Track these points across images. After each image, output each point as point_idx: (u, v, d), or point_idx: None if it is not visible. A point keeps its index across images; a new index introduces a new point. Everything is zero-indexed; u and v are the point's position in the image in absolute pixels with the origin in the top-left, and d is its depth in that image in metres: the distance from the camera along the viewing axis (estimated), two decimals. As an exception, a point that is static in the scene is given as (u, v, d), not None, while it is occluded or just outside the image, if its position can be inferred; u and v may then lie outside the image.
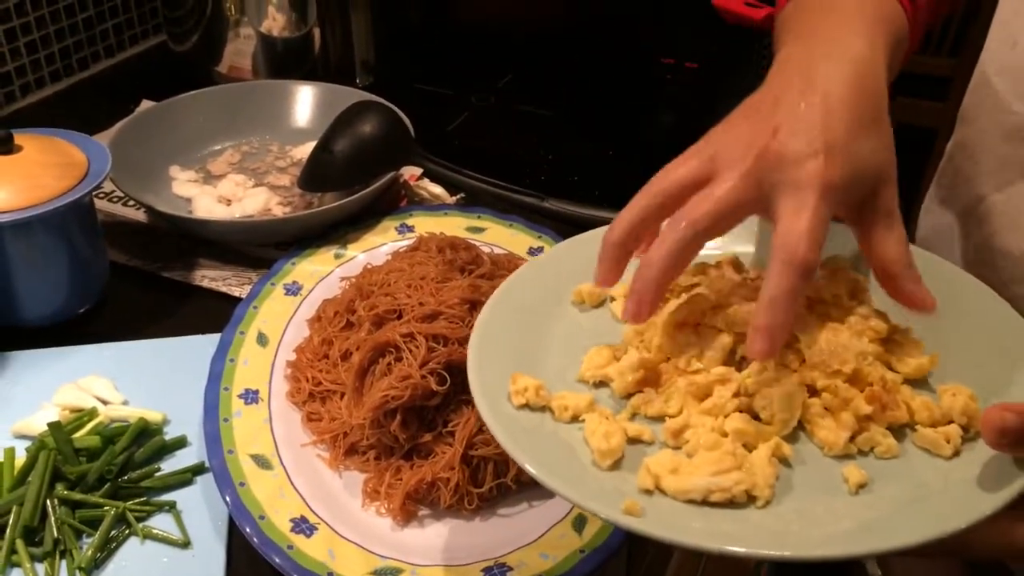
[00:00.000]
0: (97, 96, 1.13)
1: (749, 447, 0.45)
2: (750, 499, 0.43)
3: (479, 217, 0.85)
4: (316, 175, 0.88)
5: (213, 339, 0.71)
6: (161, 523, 0.60)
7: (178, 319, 0.78)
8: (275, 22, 1.08)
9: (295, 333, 0.72)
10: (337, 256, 0.81)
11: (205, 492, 0.62)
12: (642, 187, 0.48)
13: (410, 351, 0.62)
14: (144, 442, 0.64)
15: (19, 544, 0.57)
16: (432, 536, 0.59)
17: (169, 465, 0.63)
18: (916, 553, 0.38)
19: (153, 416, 0.66)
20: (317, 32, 1.09)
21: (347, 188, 0.86)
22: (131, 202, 0.88)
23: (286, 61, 1.11)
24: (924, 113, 2.04)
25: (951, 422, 0.45)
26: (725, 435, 0.45)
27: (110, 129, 0.95)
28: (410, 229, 0.84)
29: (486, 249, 0.77)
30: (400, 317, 0.65)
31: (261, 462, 0.62)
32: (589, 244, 0.57)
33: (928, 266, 0.52)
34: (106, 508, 0.59)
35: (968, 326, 0.50)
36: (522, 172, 0.96)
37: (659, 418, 0.47)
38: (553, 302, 0.55)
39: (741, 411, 0.46)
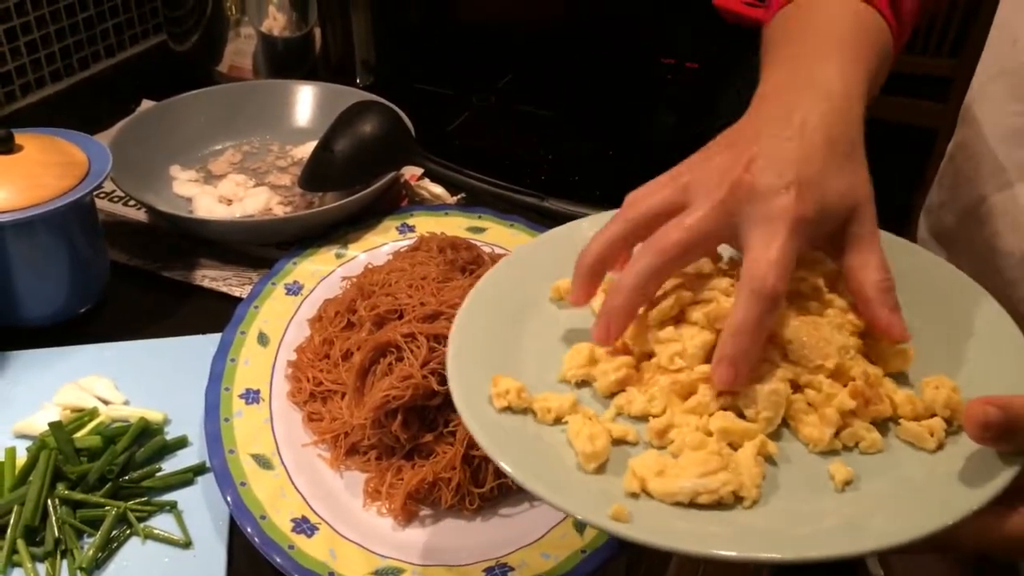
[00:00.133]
0: (97, 96, 1.13)
1: (734, 446, 0.45)
2: (737, 499, 0.42)
3: (480, 217, 0.85)
4: (317, 175, 0.88)
5: (214, 339, 0.71)
6: (162, 523, 0.60)
7: (179, 319, 0.78)
8: (275, 22, 1.08)
9: (296, 333, 0.72)
10: (338, 256, 0.81)
11: (206, 492, 0.62)
12: (617, 211, 0.50)
13: (411, 351, 0.62)
14: (145, 442, 0.64)
15: (20, 544, 0.57)
16: (433, 536, 0.59)
17: (170, 465, 0.63)
18: (904, 550, 0.39)
19: (154, 416, 0.66)
20: (317, 32, 1.09)
21: (348, 188, 0.86)
22: (132, 202, 0.88)
23: (287, 61, 1.11)
24: (924, 113, 2.04)
25: (934, 415, 0.45)
26: (710, 434, 0.45)
27: (111, 129, 0.95)
28: (411, 229, 0.84)
29: (487, 249, 0.77)
30: (401, 317, 0.65)
31: (262, 462, 0.62)
32: (563, 240, 0.57)
33: (906, 254, 0.53)
34: (107, 508, 0.59)
35: (948, 317, 0.50)
36: (522, 172, 0.96)
37: (643, 417, 0.47)
38: (531, 301, 0.54)
39: (725, 409, 0.46)
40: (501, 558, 0.57)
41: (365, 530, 0.59)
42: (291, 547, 0.56)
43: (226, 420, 0.64)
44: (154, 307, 0.79)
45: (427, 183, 0.92)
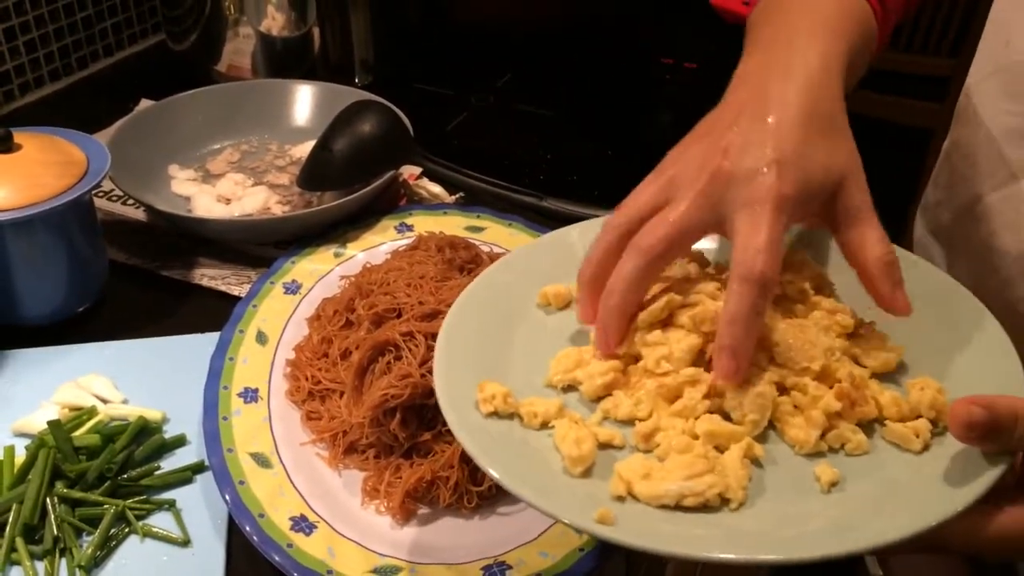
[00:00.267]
0: (96, 95, 1.13)
1: (720, 448, 0.45)
2: (723, 502, 0.42)
3: (478, 216, 0.85)
4: (315, 174, 0.88)
5: (212, 338, 0.71)
6: (161, 521, 0.60)
7: (177, 318, 0.78)
8: (274, 21, 1.08)
9: (294, 332, 0.72)
10: (336, 255, 0.81)
11: (205, 490, 0.62)
12: (606, 219, 0.50)
13: (409, 350, 0.62)
14: (144, 440, 0.64)
15: (19, 542, 0.57)
16: (432, 534, 0.59)
17: (169, 463, 0.64)
18: (891, 551, 0.39)
19: (153, 414, 0.66)
20: (316, 31, 1.09)
21: (346, 187, 0.86)
22: (130, 201, 0.88)
23: (285, 60, 1.11)
24: (924, 114, 2.04)
25: (920, 416, 0.45)
26: (696, 437, 0.45)
27: (109, 128, 0.95)
28: (409, 228, 0.84)
29: (485, 248, 0.77)
30: (399, 316, 0.65)
31: (261, 460, 0.62)
32: (551, 246, 0.57)
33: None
34: (106, 506, 0.59)
35: (933, 318, 0.50)
36: (521, 172, 0.96)
37: (629, 421, 0.47)
38: (518, 306, 0.54)
39: (712, 412, 0.46)
40: (499, 556, 0.57)
41: (363, 528, 0.59)
42: (290, 545, 0.56)
43: (224, 419, 0.64)
44: (153, 306, 0.79)
45: (426, 182, 0.92)
